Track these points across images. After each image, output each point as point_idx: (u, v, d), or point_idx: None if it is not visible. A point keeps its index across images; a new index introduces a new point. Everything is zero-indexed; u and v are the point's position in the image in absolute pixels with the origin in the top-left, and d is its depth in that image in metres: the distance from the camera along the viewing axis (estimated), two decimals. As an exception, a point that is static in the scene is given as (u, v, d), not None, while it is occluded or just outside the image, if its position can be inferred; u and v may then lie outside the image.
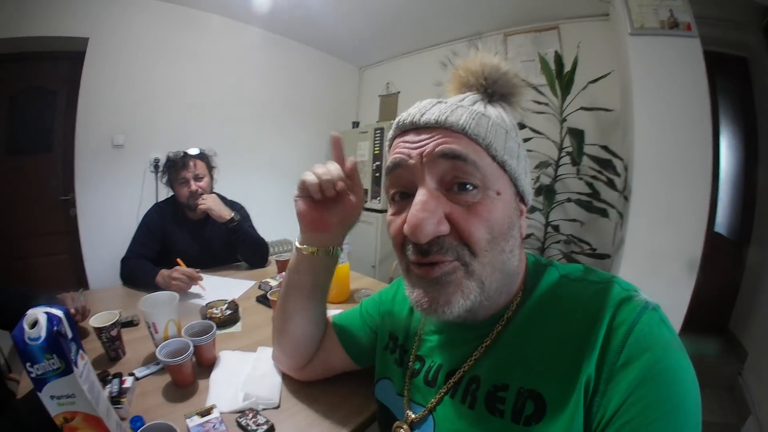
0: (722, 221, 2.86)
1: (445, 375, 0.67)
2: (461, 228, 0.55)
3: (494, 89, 0.63)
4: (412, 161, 0.58)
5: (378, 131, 4.01)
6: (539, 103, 2.66)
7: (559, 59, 2.66)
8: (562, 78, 2.64)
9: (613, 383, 0.48)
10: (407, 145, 0.59)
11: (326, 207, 0.81)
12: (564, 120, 2.71)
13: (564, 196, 2.71)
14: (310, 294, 0.89)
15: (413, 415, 0.69)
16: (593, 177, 2.56)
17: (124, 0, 3.12)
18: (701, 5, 2.23)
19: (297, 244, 0.86)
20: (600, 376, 0.50)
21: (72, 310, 1.23)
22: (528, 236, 2.91)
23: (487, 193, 0.56)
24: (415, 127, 0.60)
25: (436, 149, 0.56)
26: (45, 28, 2.83)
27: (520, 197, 0.62)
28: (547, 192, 2.56)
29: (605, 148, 2.52)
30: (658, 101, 2.22)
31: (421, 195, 0.56)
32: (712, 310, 2.83)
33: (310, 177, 0.77)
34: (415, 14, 3.44)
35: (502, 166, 0.58)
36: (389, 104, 4.66)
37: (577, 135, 2.45)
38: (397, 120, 0.63)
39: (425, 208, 0.55)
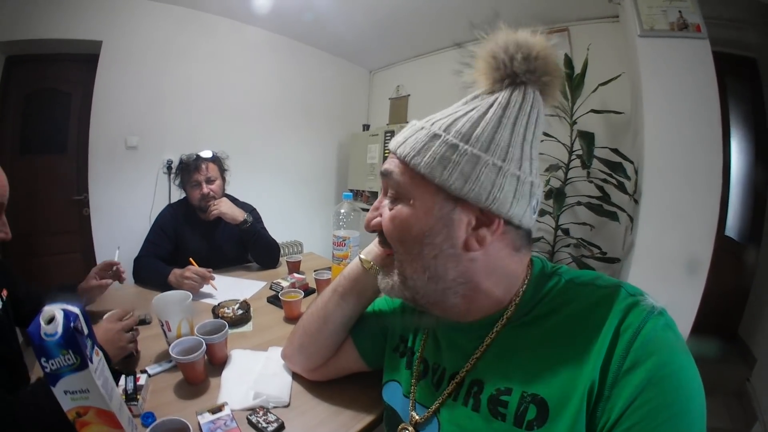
0: (732, 224, 2.83)
1: (449, 377, 0.69)
2: (384, 230, 0.67)
3: (506, 72, 0.60)
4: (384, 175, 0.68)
5: (388, 134, 4.02)
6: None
7: (569, 62, 2.65)
8: (572, 80, 2.62)
9: (618, 388, 0.49)
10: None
11: None
12: (574, 123, 2.69)
13: (574, 200, 2.69)
14: (351, 303, 0.92)
15: (417, 417, 0.71)
16: (603, 180, 2.54)
17: (137, 4, 3.16)
18: (710, 6, 2.22)
19: (362, 255, 0.90)
20: (605, 381, 0.50)
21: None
22: (538, 239, 2.91)
23: (403, 201, 0.63)
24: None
25: (381, 169, 0.67)
26: (59, 31, 2.88)
27: (469, 205, 0.59)
28: (557, 195, 2.55)
29: (616, 150, 2.50)
30: (668, 103, 2.20)
31: (377, 200, 0.71)
32: (722, 315, 2.80)
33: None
34: (423, 17, 3.44)
35: (432, 180, 0.59)
36: (399, 107, 4.65)
37: (588, 138, 2.44)
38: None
39: (372, 209, 0.71)
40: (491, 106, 0.59)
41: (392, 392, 0.82)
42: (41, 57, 3.05)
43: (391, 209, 0.65)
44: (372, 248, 0.88)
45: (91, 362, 0.69)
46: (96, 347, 0.75)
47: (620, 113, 2.66)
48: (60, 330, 0.65)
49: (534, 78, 0.59)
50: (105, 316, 1.10)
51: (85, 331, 0.71)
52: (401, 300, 0.91)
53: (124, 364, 1.11)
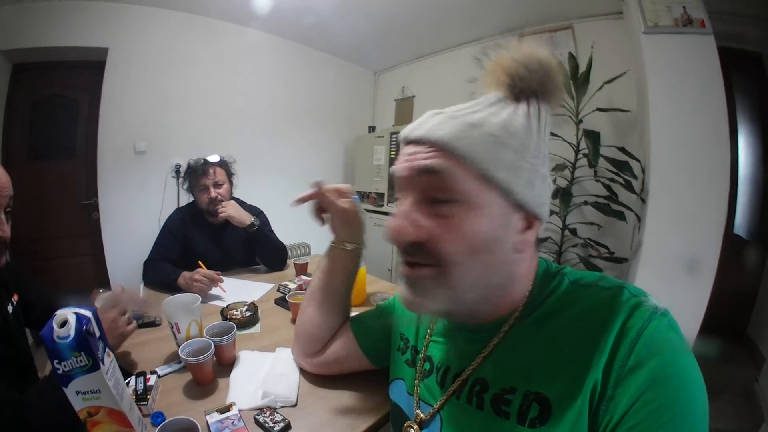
0: (741, 222, 2.80)
1: (453, 376, 0.69)
2: (434, 240, 0.58)
3: (522, 86, 0.61)
4: (404, 174, 0.61)
5: (394, 135, 4.02)
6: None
7: (573, 60, 2.64)
8: (577, 79, 2.61)
9: (621, 388, 0.49)
10: (403, 157, 0.62)
11: (333, 210, 0.98)
12: (580, 121, 2.68)
13: (581, 199, 2.68)
14: (337, 278, 1.00)
15: (422, 415, 0.71)
16: (610, 179, 2.52)
17: (142, 11, 3.19)
18: (714, 1, 2.20)
19: (333, 242, 1.00)
20: (607, 381, 0.50)
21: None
22: (545, 240, 2.88)
23: (462, 207, 0.57)
24: (408, 142, 0.63)
25: (417, 165, 0.59)
26: (65, 39, 2.92)
27: (525, 210, 0.59)
28: (563, 195, 2.54)
29: (622, 149, 2.48)
30: (674, 100, 2.19)
31: (402, 205, 0.62)
32: (730, 315, 2.77)
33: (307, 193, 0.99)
34: (428, 18, 3.44)
35: (490, 178, 0.56)
36: (405, 108, 4.65)
37: (593, 137, 2.43)
38: (401, 133, 0.66)
39: (402, 217, 0.60)
40: (528, 114, 0.59)
41: (398, 390, 0.82)
42: (48, 64, 3.09)
43: (443, 215, 0.58)
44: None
45: (103, 364, 0.71)
46: (108, 349, 0.76)
47: (626, 111, 2.63)
48: (72, 333, 0.67)
49: (545, 92, 0.61)
50: (98, 308, 1.06)
51: (97, 333, 0.72)
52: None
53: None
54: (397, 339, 0.88)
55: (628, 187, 2.43)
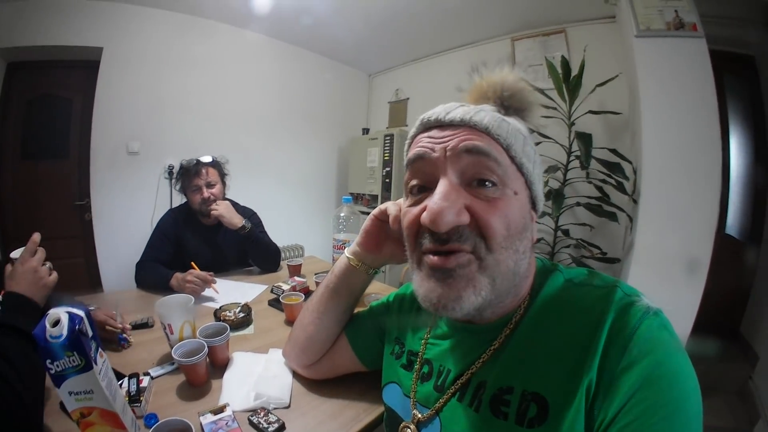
0: (733, 223, 2.82)
1: (453, 378, 0.68)
2: (481, 219, 0.56)
3: (510, 103, 0.66)
4: (435, 154, 0.59)
5: (388, 137, 4.03)
6: (547, 107, 2.64)
7: (566, 63, 2.65)
8: (569, 82, 2.63)
9: (615, 387, 0.49)
10: (431, 140, 0.60)
11: (389, 237, 0.87)
12: (572, 124, 2.70)
13: (573, 200, 2.70)
14: (342, 299, 0.95)
15: (420, 415, 0.71)
16: (602, 181, 2.54)
17: (137, 11, 3.18)
18: (706, 5, 2.23)
19: (347, 253, 0.93)
20: (601, 380, 0.51)
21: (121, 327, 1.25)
22: (538, 241, 2.87)
23: (506, 191, 0.57)
24: (439, 125, 0.61)
25: (461, 144, 0.57)
26: (60, 38, 2.90)
27: (533, 202, 0.63)
28: (556, 196, 2.56)
29: (614, 151, 2.50)
30: (665, 103, 2.21)
31: (443, 186, 0.57)
32: (723, 313, 2.79)
33: (394, 209, 0.80)
34: (422, 21, 3.45)
35: (519, 168, 0.60)
36: (398, 111, 4.67)
37: (585, 139, 2.44)
38: (421, 117, 0.64)
39: (447, 198, 0.56)
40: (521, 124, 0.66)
41: (392, 394, 0.82)
42: (42, 63, 3.07)
43: (489, 198, 0.57)
44: (354, 247, 0.92)
45: (96, 363, 0.71)
46: (101, 349, 0.76)
47: (618, 114, 2.68)
48: (65, 332, 0.67)
49: (513, 110, 0.67)
50: (16, 260, 1.00)
51: (90, 333, 0.72)
52: (398, 302, 0.93)
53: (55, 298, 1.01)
54: (391, 343, 0.88)
55: (620, 188, 2.45)
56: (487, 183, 0.57)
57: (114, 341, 1.23)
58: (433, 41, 3.94)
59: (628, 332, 0.51)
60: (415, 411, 0.72)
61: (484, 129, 0.58)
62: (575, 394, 0.52)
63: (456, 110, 0.61)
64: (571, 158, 2.70)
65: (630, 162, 2.48)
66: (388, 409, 0.83)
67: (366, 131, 4.70)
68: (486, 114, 0.60)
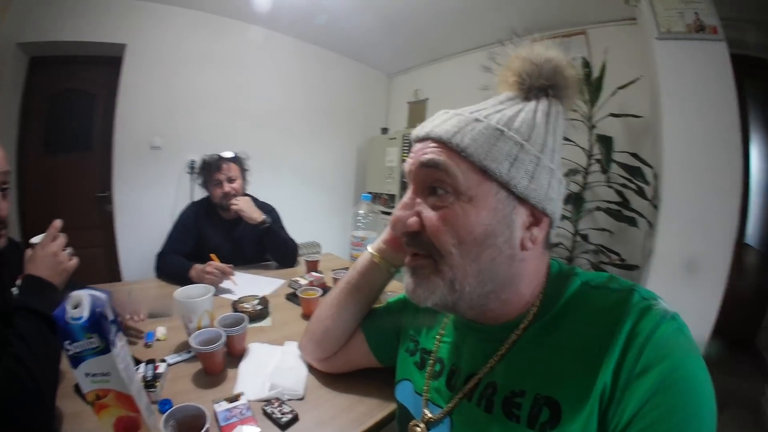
0: (752, 232, 2.76)
1: (464, 379, 0.68)
2: (427, 229, 0.60)
3: (531, 83, 0.62)
4: (409, 168, 0.64)
5: (406, 137, 4.01)
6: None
7: (586, 65, 2.63)
8: (590, 84, 2.59)
9: (629, 391, 0.48)
10: (411, 155, 0.64)
11: None
12: (593, 127, 2.66)
13: (593, 205, 2.66)
14: (361, 295, 0.96)
15: (430, 414, 0.71)
16: (623, 185, 2.50)
17: (161, 9, 3.26)
18: (727, 7, 2.19)
19: (370, 248, 0.93)
20: (616, 384, 0.50)
21: (127, 317, 1.27)
22: (556, 245, 2.83)
23: (458, 199, 0.58)
24: (416, 140, 0.65)
25: (419, 159, 0.61)
26: (84, 33, 2.99)
27: (530, 204, 0.59)
28: (576, 200, 2.52)
29: (635, 155, 2.47)
30: (686, 106, 2.18)
31: (405, 196, 0.64)
32: (738, 325, 2.71)
33: None
34: (441, 22, 3.45)
35: (485, 171, 0.57)
36: (418, 111, 4.66)
37: (606, 142, 2.41)
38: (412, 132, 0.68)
39: (403, 207, 0.63)
40: (535, 111, 0.61)
41: (404, 391, 0.82)
42: (66, 58, 3.16)
43: (438, 207, 0.60)
44: (379, 244, 0.92)
45: (114, 347, 0.71)
46: (120, 333, 0.76)
47: (639, 117, 2.61)
48: (86, 314, 0.67)
49: (555, 91, 0.63)
50: (37, 244, 1.02)
51: (111, 317, 0.73)
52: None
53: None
54: (406, 340, 0.88)
55: (640, 193, 2.41)
56: (438, 191, 0.59)
57: (139, 337, 1.26)
58: (452, 42, 3.93)
59: (645, 336, 0.50)
60: (425, 410, 0.72)
61: (438, 140, 0.60)
62: (589, 398, 0.51)
63: (429, 124, 0.63)
64: (592, 162, 2.67)
65: (651, 166, 2.44)
66: (400, 406, 0.83)
67: (385, 131, 4.73)
68: (452, 121, 0.60)
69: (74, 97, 3.28)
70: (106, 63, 3.23)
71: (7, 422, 0.73)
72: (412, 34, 3.82)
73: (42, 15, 2.84)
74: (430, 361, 0.77)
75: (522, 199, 0.58)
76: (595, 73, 2.59)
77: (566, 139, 2.01)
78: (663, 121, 2.24)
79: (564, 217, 2.56)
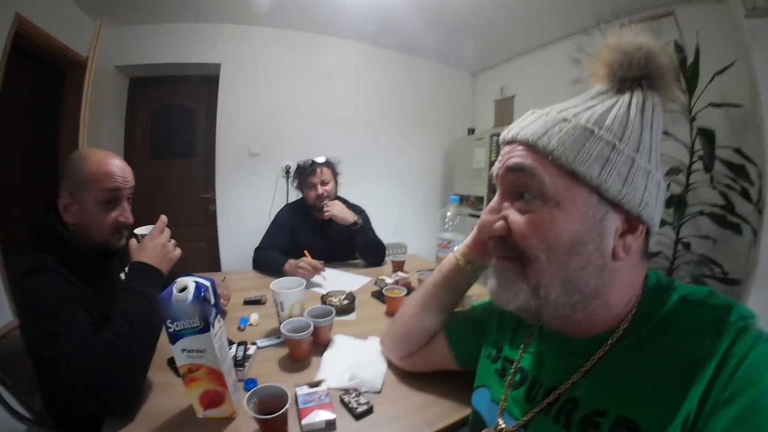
0: None
1: (545, 392, 0.65)
2: (514, 233, 0.59)
3: (622, 74, 0.58)
4: (497, 172, 0.63)
5: (494, 137, 3.85)
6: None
7: (680, 49, 2.32)
8: (686, 70, 2.25)
9: (712, 422, 0.45)
10: (499, 158, 0.63)
11: None
12: (693, 119, 2.30)
13: (695, 209, 2.31)
14: (445, 296, 0.97)
15: (503, 425, 0.68)
16: (727, 186, 2.19)
17: (251, 30, 3.59)
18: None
19: (456, 253, 0.92)
20: (701, 412, 0.46)
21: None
22: (655, 254, 2.51)
23: (546, 203, 0.55)
24: (504, 143, 0.64)
25: (506, 163, 0.60)
26: (181, 55, 3.42)
27: (624, 210, 0.55)
28: (678, 203, 2.25)
29: (738, 150, 2.17)
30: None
31: (493, 200, 0.64)
32: None
33: None
34: (523, 14, 3.31)
35: (574, 174, 0.54)
36: (505, 109, 4.41)
37: (708, 136, 2.13)
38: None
39: (490, 211, 0.63)
40: (629, 105, 0.57)
41: (481, 398, 0.80)
42: (164, 78, 3.62)
43: (525, 211, 0.57)
44: (465, 247, 0.91)
45: (213, 327, 0.81)
46: (219, 316, 0.86)
47: (740, 106, 2.22)
48: (190, 297, 0.78)
49: (649, 81, 0.58)
50: (146, 235, 1.14)
51: (212, 301, 0.83)
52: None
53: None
54: (489, 346, 0.85)
55: (745, 194, 2.12)
56: (525, 196, 0.58)
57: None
58: (535, 34, 3.72)
59: (737, 361, 0.46)
60: (500, 420, 0.69)
61: (525, 143, 0.58)
62: (671, 424, 0.47)
63: (517, 126, 0.61)
64: (694, 159, 2.33)
65: (755, 163, 2.13)
66: (474, 413, 0.81)
67: (471, 131, 4.59)
68: (539, 122, 0.58)
69: (175, 112, 3.76)
70: (204, 80, 3.62)
71: (100, 387, 0.85)
72: (493, 30, 3.69)
73: (140, 41, 3.31)
74: (512, 371, 0.74)
75: (615, 205, 0.54)
76: (690, 59, 2.25)
77: (665, 132, 1.75)
78: (763, 109, 1.98)
79: (665, 222, 2.26)
